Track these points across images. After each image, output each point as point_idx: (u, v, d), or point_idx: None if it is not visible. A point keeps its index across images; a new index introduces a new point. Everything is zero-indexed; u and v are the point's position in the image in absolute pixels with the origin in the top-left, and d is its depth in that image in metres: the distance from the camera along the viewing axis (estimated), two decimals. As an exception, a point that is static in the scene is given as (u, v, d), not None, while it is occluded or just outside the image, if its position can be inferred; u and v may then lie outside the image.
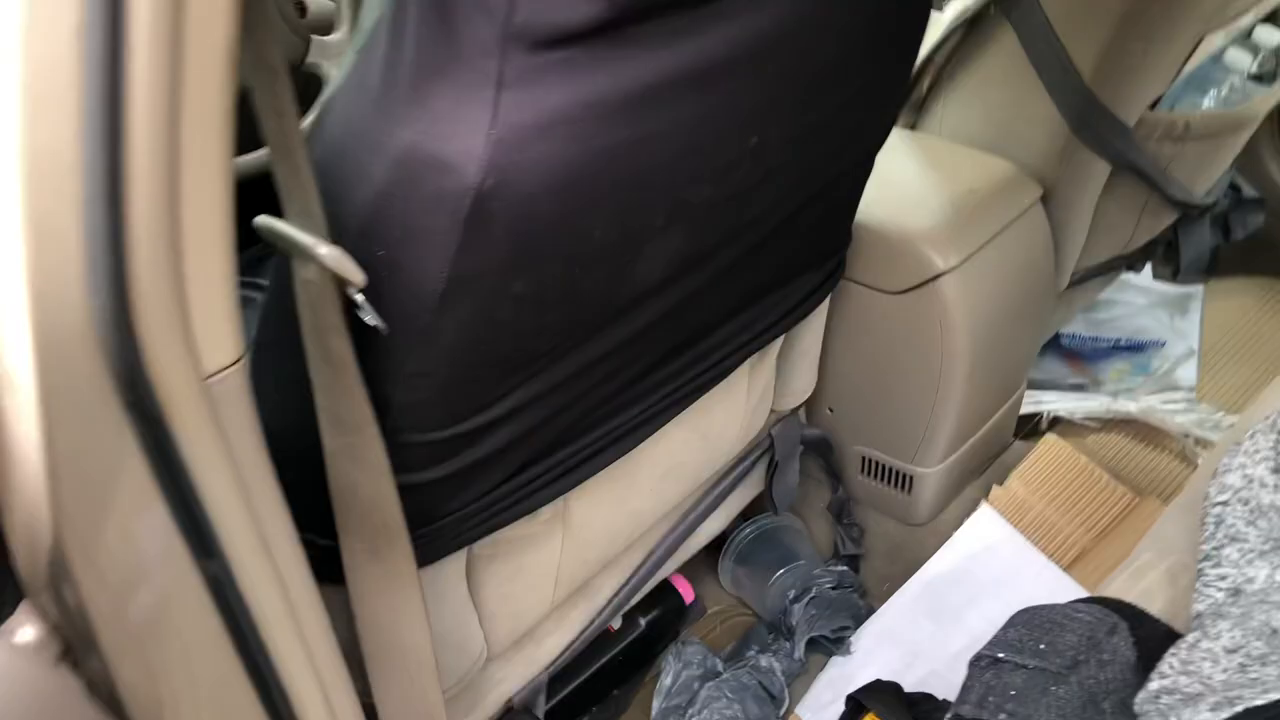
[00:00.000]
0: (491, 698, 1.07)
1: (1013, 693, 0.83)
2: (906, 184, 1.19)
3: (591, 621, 1.14)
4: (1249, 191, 1.58)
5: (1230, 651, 0.78)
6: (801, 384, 1.22)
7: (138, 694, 0.56)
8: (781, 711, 1.23)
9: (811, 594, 1.30)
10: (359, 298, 0.63)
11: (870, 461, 1.32)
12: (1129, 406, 1.50)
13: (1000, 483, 1.34)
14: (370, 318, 0.64)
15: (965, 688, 0.87)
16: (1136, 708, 0.74)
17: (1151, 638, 0.83)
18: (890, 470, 1.31)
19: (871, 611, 1.30)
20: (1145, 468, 1.42)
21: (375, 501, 0.71)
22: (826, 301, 1.14)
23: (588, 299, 0.74)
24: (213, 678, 0.59)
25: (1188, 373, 1.58)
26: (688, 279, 0.82)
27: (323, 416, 0.68)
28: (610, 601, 1.15)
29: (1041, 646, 0.85)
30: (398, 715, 0.85)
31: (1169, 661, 0.77)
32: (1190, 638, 0.79)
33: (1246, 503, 0.90)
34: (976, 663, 0.89)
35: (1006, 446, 1.42)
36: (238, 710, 0.61)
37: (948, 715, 0.87)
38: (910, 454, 1.27)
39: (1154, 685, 0.75)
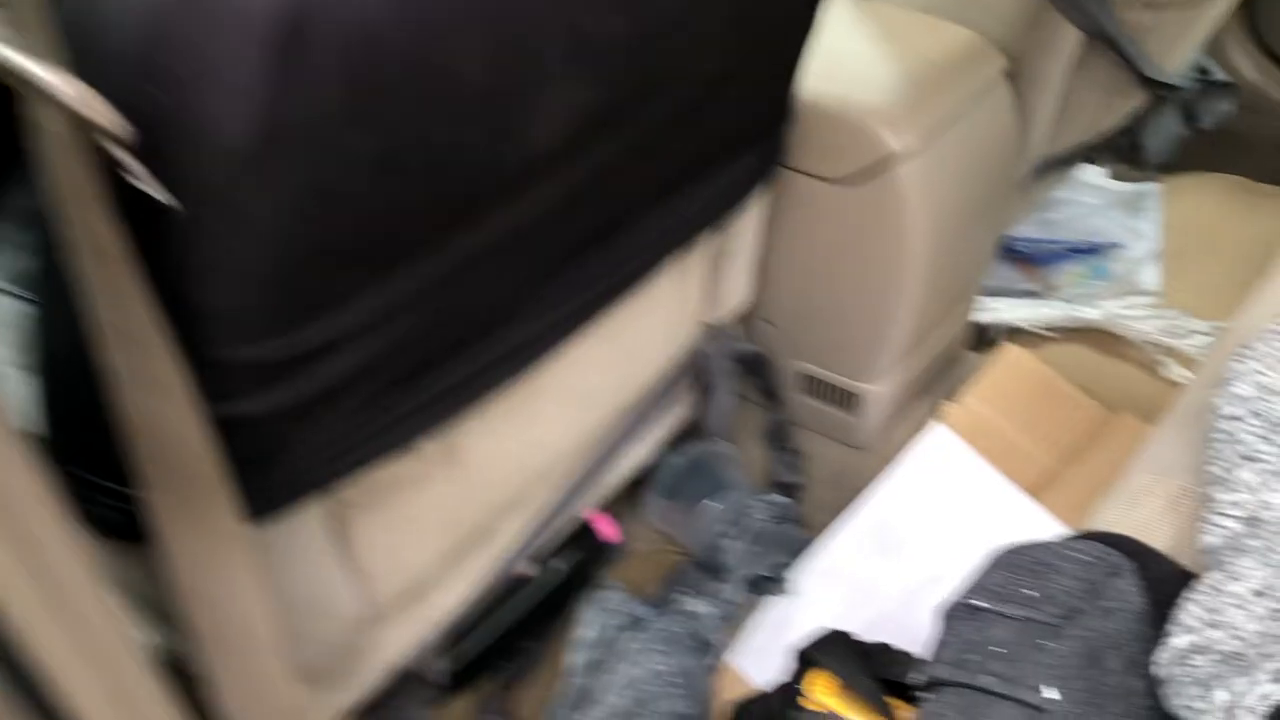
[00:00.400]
0: (376, 664, 0.90)
1: (998, 649, 0.69)
2: (856, 56, 1.02)
3: (495, 570, 0.97)
4: (1218, 75, 1.45)
5: (1259, 594, 0.64)
6: (736, 291, 1.05)
7: None
8: (714, 660, 1.09)
9: (746, 527, 1.15)
10: (126, 159, 0.45)
11: (812, 379, 1.17)
12: (1090, 313, 1.37)
13: (954, 399, 1.20)
14: (149, 186, 0.46)
15: (941, 643, 0.73)
16: (1161, 670, 0.61)
17: (1163, 580, 0.69)
18: (834, 389, 1.16)
19: (813, 545, 1.16)
20: (1110, 381, 1.29)
21: (181, 440, 0.53)
22: (765, 193, 0.97)
23: (461, 167, 0.56)
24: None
25: (1150, 276, 1.45)
26: (595, 147, 0.64)
27: (104, 330, 0.50)
28: (517, 547, 0.99)
29: (1030, 593, 0.71)
30: (239, 701, 0.68)
31: (1190, 610, 0.64)
32: (1211, 579, 0.66)
33: (1260, 415, 0.76)
34: (951, 613, 0.75)
35: (959, 359, 1.28)
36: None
37: (921, 676, 0.73)
38: (857, 369, 1.12)
39: (1180, 641, 0.61)
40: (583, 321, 0.81)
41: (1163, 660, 0.61)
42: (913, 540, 1.11)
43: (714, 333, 1.08)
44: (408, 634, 0.92)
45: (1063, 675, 0.66)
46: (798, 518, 1.19)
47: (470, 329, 0.70)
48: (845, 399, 1.16)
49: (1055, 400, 1.18)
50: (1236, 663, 0.58)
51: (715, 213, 0.89)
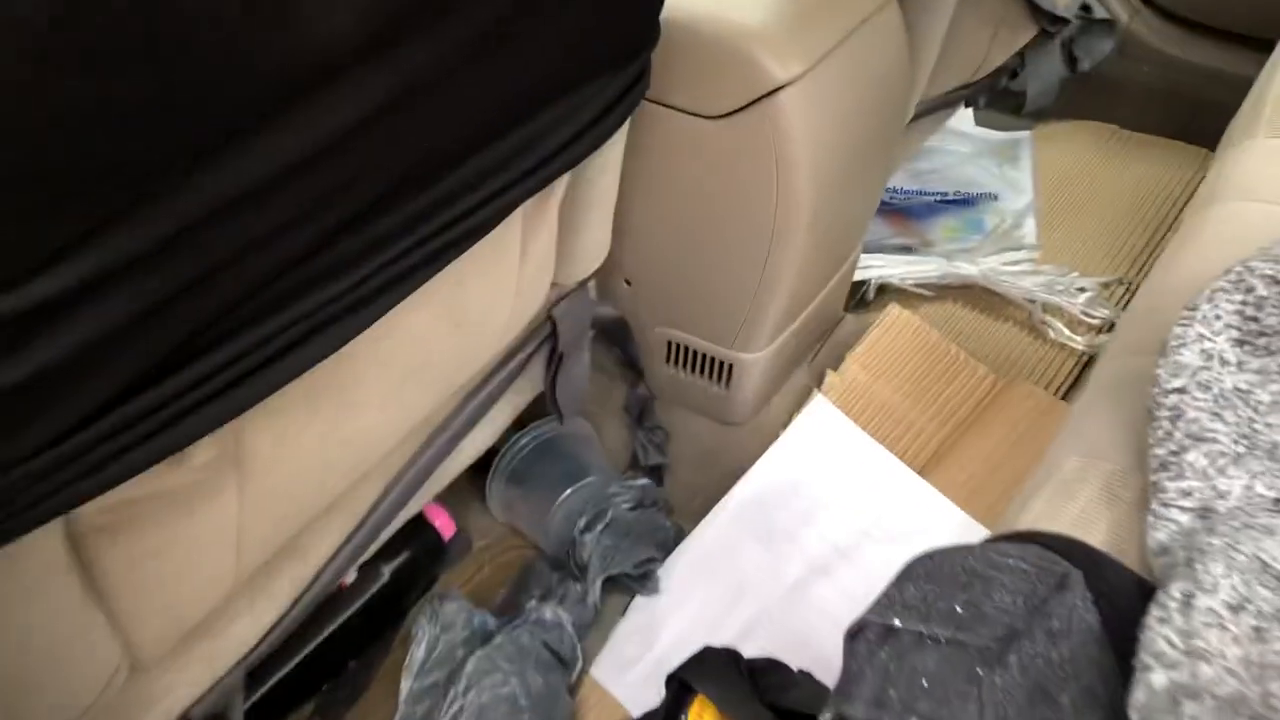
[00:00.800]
0: (151, 718, 0.72)
1: (924, 683, 0.56)
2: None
3: (305, 591, 0.80)
4: (1100, 12, 1.36)
5: (1235, 609, 0.53)
6: (592, 246, 0.89)
7: None
8: (574, 676, 0.94)
9: (606, 518, 1.01)
10: None
11: (679, 348, 1.03)
12: (968, 270, 1.27)
13: (835, 368, 1.08)
14: None
15: (851, 674, 0.60)
16: (1139, 717, 0.49)
17: (1117, 592, 0.57)
18: (704, 358, 1.02)
19: (683, 536, 1.03)
20: (992, 342, 1.20)
21: None
22: (625, 129, 0.81)
23: (211, 68, 0.39)
24: None
25: (1028, 230, 1.37)
26: (407, 49, 0.47)
27: None
28: (332, 560, 0.82)
29: (959, 610, 0.59)
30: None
31: (1161, 634, 0.52)
32: (1177, 591, 0.54)
33: (1208, 388, 0.65)
34: (861, 634, 0.61)
35: (837, 322, 1.16)
36: None
37: (829, 714, 0.60)
38: (730, 336, 0.98)
39: (1158, 679, 0.49)
40: (402, 285, 0.64)
41: (1139, 704, 0.49)
42: (795, 527, 0.99)
43: (567, 295, 0.92)
44: (193, 678, 0.74)
45: (1005, 717, 0.54)
46: (664, 504, 1.05)
47: (247, 295, 0.52)
48: (717, 369, 1.02)
49: (944, 366, 1.07)
50: (1243, 711, 0.46)
51: (567, 153, 0.73)
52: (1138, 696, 0.50)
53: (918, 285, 1.27)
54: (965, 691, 0.55)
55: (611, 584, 1.00)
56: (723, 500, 1.02)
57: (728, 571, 0.98)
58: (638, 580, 1.00)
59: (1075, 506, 0.66)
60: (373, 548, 0.89)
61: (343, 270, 0.58)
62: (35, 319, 0.42)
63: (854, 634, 0.61)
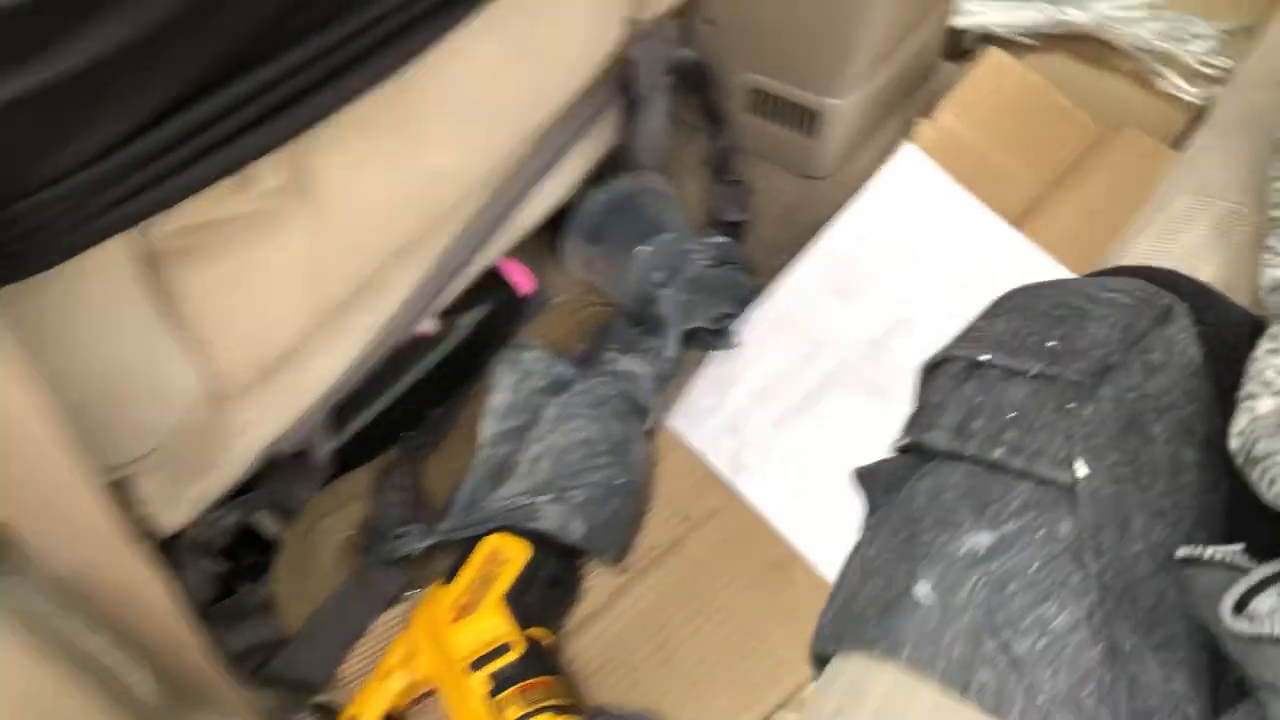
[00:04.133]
0: (241, 450, 0.75)
1: (1012, 414, 0.54)
2: None
3: (383, 332, 0.81)
4: None
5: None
6: (670, -22, 0.84)
7: None
8: (650, 426, 0.95)
9: (685, 274, 0.99)
10: None
11: (762, 95, 0.98)
12: (1078, 16, 1.17)
13: (927, 116, 1.02)
14: None
15: (931, 406, 0.58)
16: (1241, 441, 0.46)
17: (1224, 325, 0.54)
18: (789, 105, 0.97)
19: (762, 292, 1.01)
20: (1099, 95, 1.12)
21: None
22: None
23: None
24: None
25: (1147, -30, 1.25)
26: None
27: None
28: (412, 303, 0.82)
29: (1052, 344, 0.56)
30: (33, 523, 0.51)
31: (1271, 364, 0.49)
32: (1292, 323, 0.51)
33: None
34: (942, 367, 0.59)
35: (933, 70, 1.09)
36: None
37: (899, 439, 0.59)
38: (818, 80, 0.93)
39: (1264, 404, 0.47)
40: (466, 5, 0.60)
41: (1241, 428, 0.47)
42: (878, 280, 0.96)
43: (643, 35, 0.87)
44: (276, 413, 0.75)
45: (1095, 446, 0.52)
46: (743, 261, 1.02)
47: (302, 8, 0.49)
48: (802, 118, 0.98)
49: (1045, 114, 1.01)
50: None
51: None
52: (1239, 422, 0.47)
53: (1022, 34, 1.19)
54: (1053, 422, 0.53)
55: (689, 339, 0.99)
56: (803, 253, 0.99)
57: (807, 325, 0.96)
58: (715, 335, 0.99)
59: (1182, 244, 0.62)
60: (449, 294, 0.89)
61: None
62: (83, 5, 0.40)
63: (933, 367, 0.59)
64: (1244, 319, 0.55)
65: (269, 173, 0.58)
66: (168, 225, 0.56)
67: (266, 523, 0.89)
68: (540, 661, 0.81)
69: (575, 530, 0.86)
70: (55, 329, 0.53)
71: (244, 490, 0.83)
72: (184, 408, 0.63)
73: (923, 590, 0.50)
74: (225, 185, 0.54)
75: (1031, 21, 1.19)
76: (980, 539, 0.50)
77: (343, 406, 0.87)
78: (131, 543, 0.57)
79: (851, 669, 0.51)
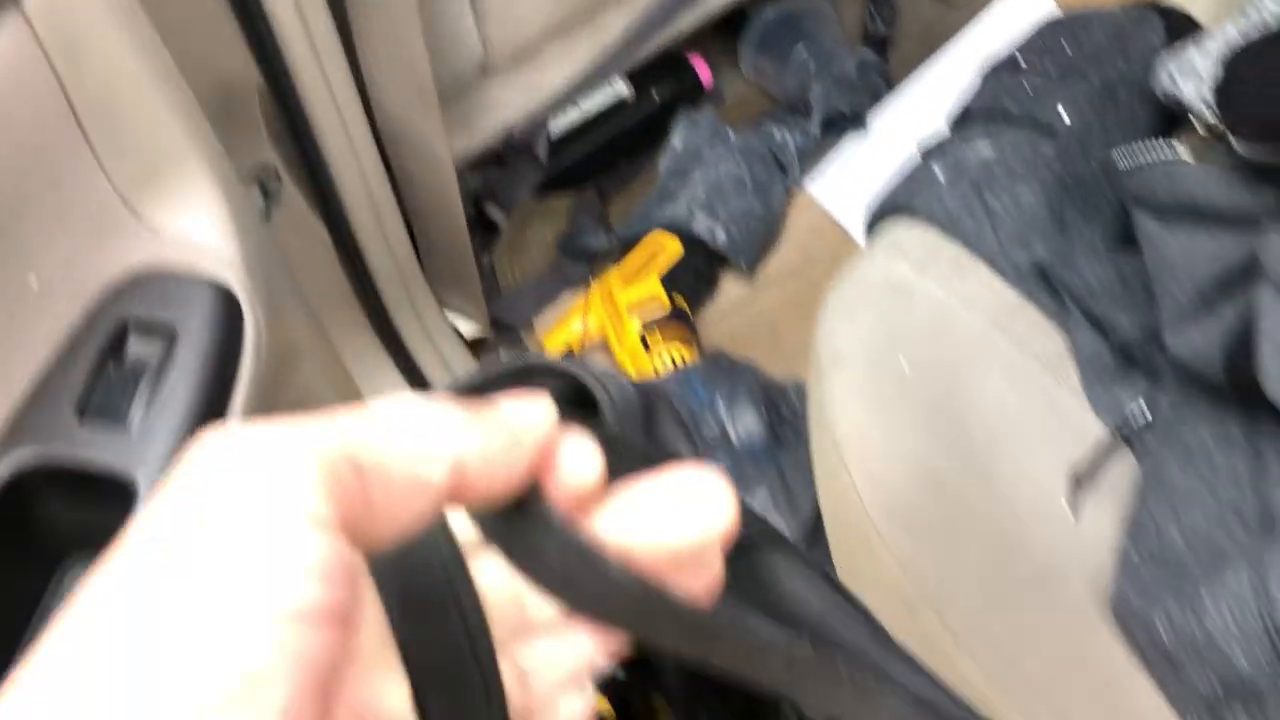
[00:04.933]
0: (490, 120, 1.04)
1: (1029, 92, 0.79)
2: None
3: (598, 60, 1.09)
4: None
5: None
6: None
7: None
8: (791, 181, 1.21)
9: (832, 73, 1.24)
10: None
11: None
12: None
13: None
14: None
15: (978, 91, 0.83)
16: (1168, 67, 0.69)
17: (1182, 29, 0.76)
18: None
19: (894, 91, 1.24)
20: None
21: None
22: None
23: None
24: None
25: None
26: None
27: None
28: (618, 42, 1.10)
29: (1064, 46, 0.79)
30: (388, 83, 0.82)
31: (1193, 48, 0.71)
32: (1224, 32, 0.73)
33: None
34: (994, 68, 0.83)
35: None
36: None
37: (953, 111, 0.83)
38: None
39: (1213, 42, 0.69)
40: None
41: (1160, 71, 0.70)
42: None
43: None
44: (518, 99, 1.05)
45: (1079, 103, 0.76)
46: (882, 68, 1.26)
47: None
48: (942, -52, 1.20)
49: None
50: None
51: None
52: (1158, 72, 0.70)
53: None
54: (1054, 90, 0.77)
55: (831, 127, 1.24)
56: (934, 57, 1.22)
57: (935, 114, 1.19)
58: (852, 120, 1.23)
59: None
60: (642, 54, 1.15)
61: None
62: None
63: (987, 69, 0.84)
64: (1195, 27, 0.77)
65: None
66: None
67: (493, 210, 1.19)
68: (680, 318, 1.10)
69: (720, 237, 1.13)
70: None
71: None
72: (467, 60, 0.93)
73: (937, 169, 0.75)
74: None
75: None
76: (983, 146, 0.75)
77: (558, 143, 1.16)
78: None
79: (888, 226, 0.77)
